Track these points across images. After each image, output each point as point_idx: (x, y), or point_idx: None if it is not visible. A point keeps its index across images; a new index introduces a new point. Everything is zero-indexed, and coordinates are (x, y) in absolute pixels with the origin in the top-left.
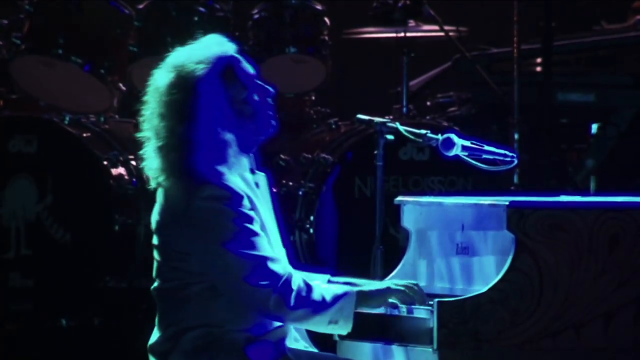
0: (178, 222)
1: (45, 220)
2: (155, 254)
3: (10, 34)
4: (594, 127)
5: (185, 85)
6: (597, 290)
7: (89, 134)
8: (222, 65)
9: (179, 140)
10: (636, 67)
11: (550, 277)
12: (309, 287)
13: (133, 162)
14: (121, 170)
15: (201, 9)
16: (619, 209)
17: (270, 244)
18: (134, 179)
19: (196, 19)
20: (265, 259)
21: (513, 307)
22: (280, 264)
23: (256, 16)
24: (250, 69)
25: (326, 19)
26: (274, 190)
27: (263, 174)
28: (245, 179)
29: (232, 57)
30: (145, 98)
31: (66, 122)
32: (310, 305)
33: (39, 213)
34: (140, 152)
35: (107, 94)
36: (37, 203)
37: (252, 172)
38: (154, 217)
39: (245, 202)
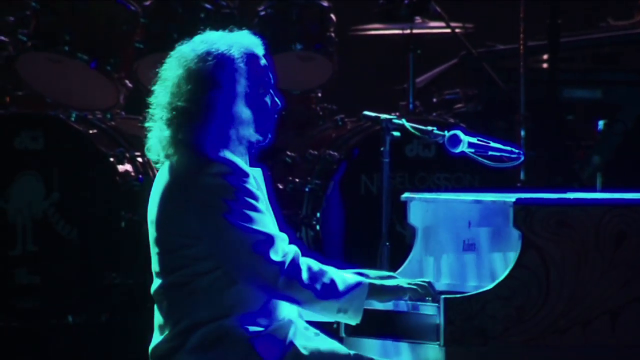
0: (184, 201)
1: (51, 217)
2: (156, 249)
3: (16, 31)
4: (601, 124)
5: (215, 58)
6: (604, 287)
7: (95, 131)
8: (251, 57)
9: (198, 106)
10: None
11: (556, 274)
12: (320, 269)
13: (139, 159)
14: (127, 166)
15: (207, 5)
16: (625, 205)
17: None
18: (140, 176)
19: (202, 15)
20: (268, 235)
21: (520, 304)
22: (286, 243)
23: (262, 13)
24: (271, 76)
25: (332, 16)
26: (274, 185)
27: (258, 168)
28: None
29: (261, 56)
30: (165, 64)
31: (72, 118)
32: (320, 288)
33: (46, 210)
34: (147, 123)
35: (113, 91)
36: (43, 200)
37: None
38: (153, 207)
39: (251, 180)
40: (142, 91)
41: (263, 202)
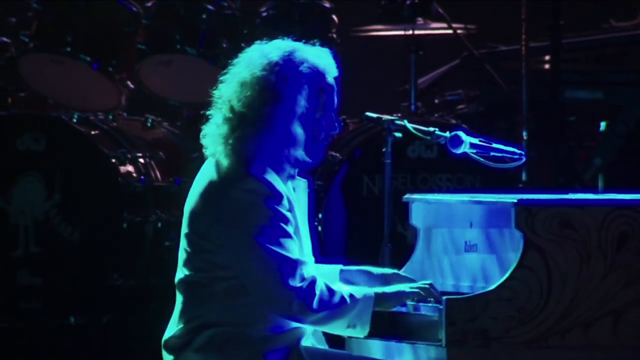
0: (214, 209)
1: (53, 218)
2: (184, 243)
3: (18, 32)
4: (602, 125)
5: (284, 70)
6: (606, 288)
7: (97, 132)
8: (321, 79)
9: (255, 116)
10: None
11: (558, 275)
12: (331, 292)
13: (141, 160)
14: (129, 168)
15: (209, 7)
16: (628, 206)
17: (301, 249)
18: (142, 177)
19: (204, 16)
20: (292, 261)
21: (521, 305)
22: (306, 269)
23: (264, 14)
24: (335, 101)
25: (334, 17)
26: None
27: (304, 180)
28: (284, 183)
29: (331, 79)
30: (234, 61)
31: (74, 120)
32: (332, 310)
33: (48, 211)
34: (208, 111)
35: (115, 92)
36: (45, 201)
37: (292, 177)
38: (190, 201)
39: (285, 202)
40: (144, 92)
41: (292, 225)
